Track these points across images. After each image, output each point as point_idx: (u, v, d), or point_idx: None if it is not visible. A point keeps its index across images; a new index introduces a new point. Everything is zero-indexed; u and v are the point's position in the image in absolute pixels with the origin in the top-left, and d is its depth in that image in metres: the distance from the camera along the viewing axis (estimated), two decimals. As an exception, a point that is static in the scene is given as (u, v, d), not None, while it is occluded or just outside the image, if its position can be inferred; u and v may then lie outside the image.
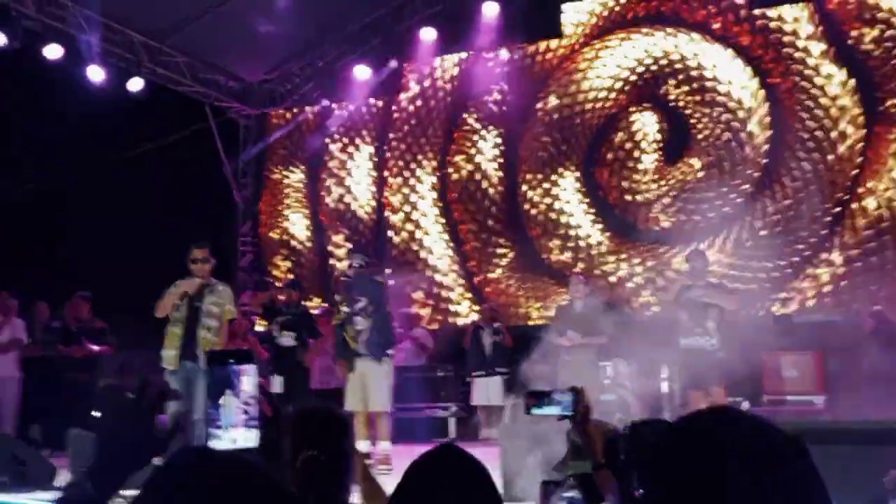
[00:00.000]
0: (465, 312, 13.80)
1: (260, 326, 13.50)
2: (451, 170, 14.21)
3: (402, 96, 14.69)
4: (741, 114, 12.47)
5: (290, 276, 14.59)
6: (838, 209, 11.79)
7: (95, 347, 10.67)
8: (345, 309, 7.95)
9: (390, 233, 14.47)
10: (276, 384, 9.20)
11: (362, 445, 7.88)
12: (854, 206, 11.73)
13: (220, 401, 2.19)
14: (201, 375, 7.42)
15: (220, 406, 2.27)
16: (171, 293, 7.37)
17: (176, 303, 7.39)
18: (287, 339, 9.25)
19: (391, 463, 7.62)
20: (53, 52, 12.08)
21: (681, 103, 12.81)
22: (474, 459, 1.81)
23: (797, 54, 12.23)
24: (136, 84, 13.14)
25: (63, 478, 6.66)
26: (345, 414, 2.60)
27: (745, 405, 9.11)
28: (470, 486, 1.80)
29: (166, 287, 7.49)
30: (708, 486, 1.20)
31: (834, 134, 11.95)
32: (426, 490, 1.78)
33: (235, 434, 2.39)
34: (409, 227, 14.37)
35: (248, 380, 2.19)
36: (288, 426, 2.55)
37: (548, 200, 13.52)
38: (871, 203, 11.65)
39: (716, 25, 12.73)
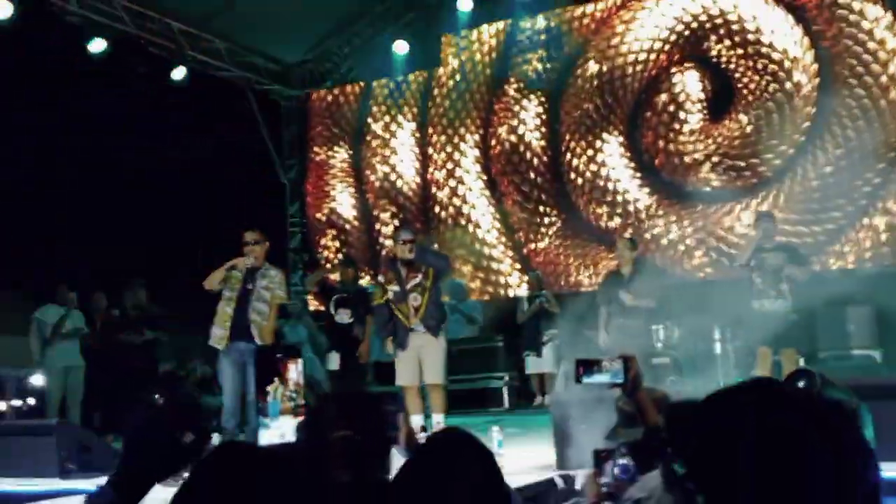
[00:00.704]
0: (516, 283, 13.82)
1: (312, 305, 13.71)
2: (493, 141, 14.17)
3: (442, 70, 14.65)
4: (787, 65, 12.22)
5: (339, 256, 14.74)
6: (892, 155, 11.52)
7: (152, 334, 10.89)
8: (393, 288, 7.96)
9: (437, 208, 14.50)
10: (333, 361, 9.31)
11: (415, 419, 7.97)
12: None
13: (267, 388, 2.24)
14: (254, 356, 7.64)
15: (267, 394, 2.32)
16: (221, 269, 7.53)
17: (225, 275, 7.54)
18: (342, 317, 9.32)
19: None
20: (97, 46, 12.25)
21: (724, 59, 12.59)
22: (480, 444, 1.83)
23: (851, 16, 11.92)
24: (179, 72, 13.30)
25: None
26: (382, 396, 2.65)
27: (801, 362, 9.04)
28: (475, 470, 1.84)
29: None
30: (743, 467, 1.20)
31: (884, 79, 11.66)
32: (431, 473, 1.81)
33: (282, 423, 2.45)
34: (456, 201, 14.38)
35: (294, 369, 2.24)
36: (329, 409, 2.61)
37: (593, 167, 13.42)
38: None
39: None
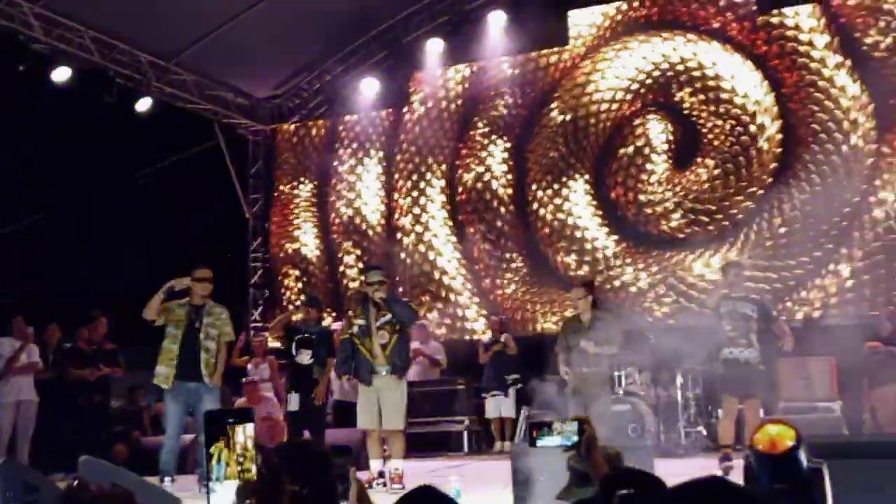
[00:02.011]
0: (473, 317, 13.83)
1: (273, 343, 13.53)
2: (460, 187, 14.18)
3: (407, 109, 14.69)
4: (750, 108, 12.40)
5: (301, 292, 14.62)
6: (857, 199, 11.69)
7: (107, 370, 10.68)
8: (359, 322, 7.86)
9: (399, 234, 14.45)
10: (293, 402, 9.18)
11: (375, 464, 7.85)
12: (864, 217, 11.65)
13: (211, 450, 2.17)
14: (206, 393, 7.62)
15: (210, 456, 2.25)
16: (158, 293, 7.50)
17: (166, 306, 7.53)
18: (304, 357, 9.20)
19: (403, 482, 7.59)
20: (61, 74, 12.13)
21: (687, 106, 12.75)
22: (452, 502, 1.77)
23: (812, 64, 12.14)
24: (144, 104, 13.19)
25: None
26: (332, 450, 2.59)
27: (761, 412, 9.04)
28: None
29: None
30: None
31: (846, 125, 11.88)
32: None
33: (229, 488, 2.37)
34: (419, 228, 14.37)
35: (242, 432, 2.16)
36: (278, 463, 2.55)
37: (560, 215, 13.47)
38: (880, 214, 11.57)
39: (717, 26, 12.68)
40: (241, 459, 1.86)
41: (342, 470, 1.91)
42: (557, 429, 3.20)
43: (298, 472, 2.44)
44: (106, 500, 1.59)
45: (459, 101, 14.39)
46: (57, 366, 10.58)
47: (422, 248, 14.32)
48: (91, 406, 10.44)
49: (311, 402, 9.01)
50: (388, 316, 7.84)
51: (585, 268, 13.10)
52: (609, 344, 8.74)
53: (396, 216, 14.56)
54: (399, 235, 14.50)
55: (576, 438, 3.18)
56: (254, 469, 1.86)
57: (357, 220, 14.88)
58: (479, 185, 14.05)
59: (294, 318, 9.61)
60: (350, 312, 8.10)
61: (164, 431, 7.52)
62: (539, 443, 3.21)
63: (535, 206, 13.64)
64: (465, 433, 11.67)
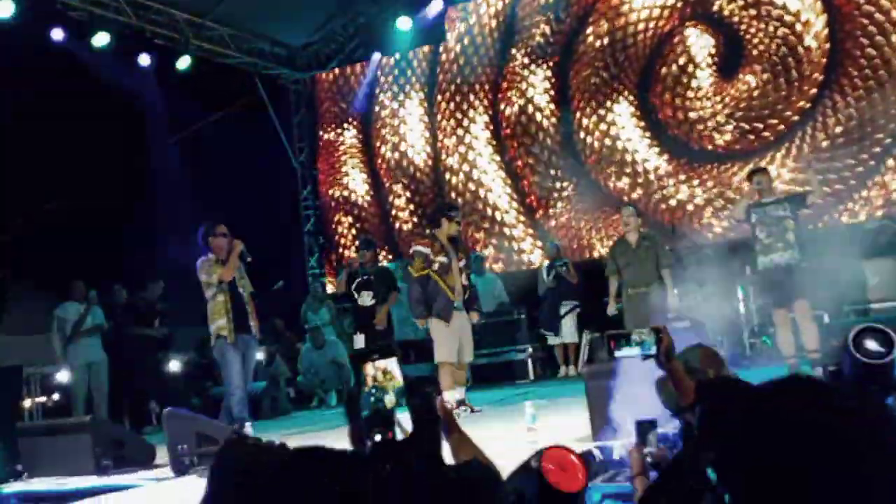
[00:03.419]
0: (529, 249, 13.82)
1: (330, 287, 13.75)
2: (503, 105, 14.11)
3: (449, 38, 14.56)
4: (798, 26, 12.10)
5: (354, 236, 14.75)
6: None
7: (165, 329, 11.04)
8: (441, 259, 7.93)
9: (448, 174, 14.47)
10: (359, 342, 9.35)
11: (451, 395, 7.98)
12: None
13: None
14: (255, 345, 7.97)
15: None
16: (234, 259, 7.63)
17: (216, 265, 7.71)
18: (366, 299, 9.37)
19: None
20: (101, 39, 12.21)
21: (735, 18, 12.48)
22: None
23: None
24: (184, 62, 13.25)
25: (162, 455, 6.86)
26: (423, 379, 2.65)
27: (826, 318, 8.99)
28: None
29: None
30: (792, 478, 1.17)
31: (895, 38, 11.55)
32: None
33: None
34: (466, 167, 14.36)
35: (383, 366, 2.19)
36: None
37: (603, 127, 13.36)
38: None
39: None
40: (373, 391, 1.92)
41: (429, 397, 1.95)
42: (636, 339, 3.24)
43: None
44: (264, 452, 1.67)
45: (496, 35, 14.23)
46: (124, 325, 10.89)
47: (472, 186, 14.31)
48: (158, 362, 10.77)
49: (376, 341, 9.18)
50: (465, 260, 8.08)
51: (639, 191, 13.00)
52: (660, 266, 8.76)
53: (443, 156, 14.55)
54: (448, 176, 14.50)
55: (654, 348, 3.22)
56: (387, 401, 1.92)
57: (404, 164, 14.91)
58: (524, 117, 13.96)
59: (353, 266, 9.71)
60: (423, 249, 8.11)
61: (230, 382, 7.69)
62: (618, 353, 3.27)
63: (582, 133, 13.53)
64: (529, 361, 11.79)
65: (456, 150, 14.46)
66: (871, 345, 3.38)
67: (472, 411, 7.82)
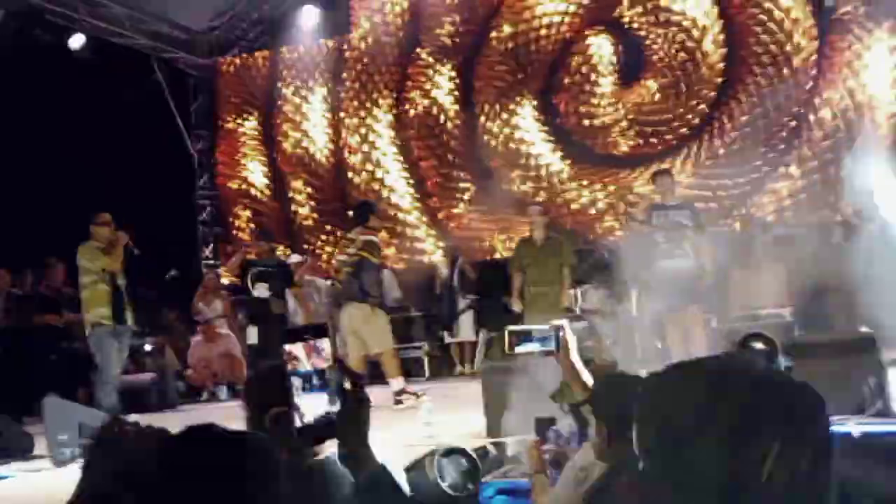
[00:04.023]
0: (431, 250, 13.78)
1: (225, 279, 13.44)
2: (407, 106, 14.04)
3: (353, 35, 14.42)
4: (695, 32, 12.41)
5: (252, 227, 14.48)
6: (794, 123, 11.84)
7: (73, 316, 10.55)
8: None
9: (350, 173, 14.33)
10: (252, 335, 9.19)
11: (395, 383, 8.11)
12: (811, 117, 11.78)
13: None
14: (129, 336, 8.16)
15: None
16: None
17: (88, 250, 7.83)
18: (261, 291, 9.22)
19: None
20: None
21: (635, 25, 12.72)
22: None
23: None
24: (77, 40, 12.76)
25: (41, 447, 6.57)
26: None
27: (714, 322, 9.21)
28: None
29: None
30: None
31: (788, 47, 11.95)
32: None
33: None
34: (369, 166, 14.24)
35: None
36: (252, 387, 2.56)
37: (507, 130, 13.44)
38: (826, 114, 11.71)
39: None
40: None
41: (360, 379, 1.92)
42: (536, 335, 3.24)
43: (279, 394, 2.44)
44: (141, 436, 1.59)
45: (402, 25, 14.16)
46: (18, 312, 10.40)
47: (375, 185, 14.18)
48: (58, 351, 10.33)
49: (270, 335, 9.02)
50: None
51: (542, 194, 13.11)
52: (561, 265, 8.86)
53: (347, 155, 14.39)
54: (350, 175, 14.35)
55: (553, 344, 3.23)
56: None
57: (304, 144, 14.69)
58: (427, 117, 13.92)
59: (248, 254, 9.57)
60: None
61: (107, 371, 7.60)
62: (518, 349, 3.26)
63: (483, 121, 13.57)
64: (426, 358, 11.77)
65: (359, 149, 14.32)
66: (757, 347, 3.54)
67: (417, 398, 7.70)
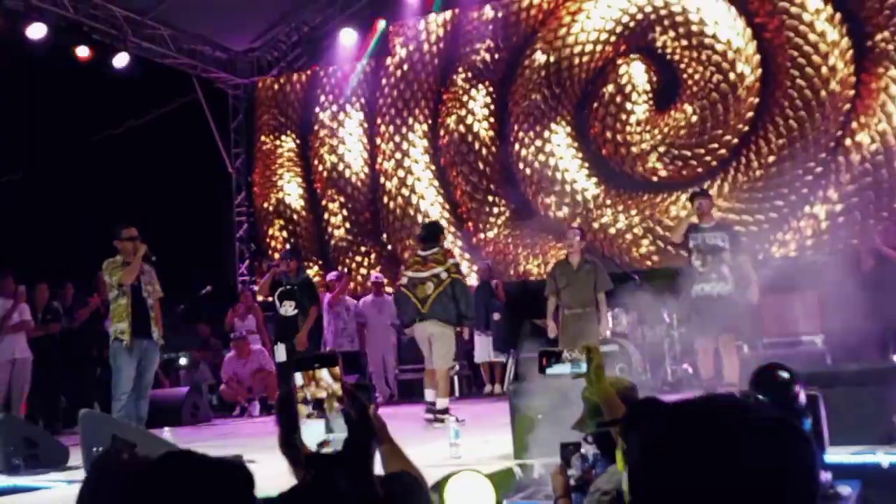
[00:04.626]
0: (466, 272, 13.81)
1: (260, 297, 13.59)
2: (442, 132, 14.17)
3: (390, 59, 14.60)
4: (730, 56, 12.41)
5: (287, 245, 14.64)
6: (832, 145, 11.79)
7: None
8: (412, 274, 8.25)
9: (385, 198, 14.46)
10: (280, 353, 9.27)
11: (441, 402, 8.18)
12: (848, 142, 11.72)
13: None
14: (155, 351, 7.88)
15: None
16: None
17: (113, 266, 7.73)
18: (287, 308, 9.30)
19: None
20: (37, 31, 11.96)
21: (669, 50, 12.75)
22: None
23: (792, 9, 12.11)
24: (121, 59, 13.03)
25: (76, 458, 6.70)
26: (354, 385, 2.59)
27: (745, 349, 9.17)
28: None
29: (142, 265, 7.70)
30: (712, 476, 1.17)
31: (824, 70, 11.91)
32: None
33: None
34: (405, 191, 14.37)
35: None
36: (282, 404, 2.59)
37: (541, 157, 13.50)
38: (864, 138, 11.64)
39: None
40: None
41: (364, 407, 1.93)
42: (567, 357, 3.29)
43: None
44: (134, 467, 1.58)
45: (440, 47, 14.30)
46: (45, 324, 10.61)
47: (405, 191, 14.33)
48: (91, 361, 10.50)
49: (297, 353, 9.09)
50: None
51: (565, 210, 13.17)
52: (597, 289, 8.86)
53: (379, 161, 14.54)
54: (382, 180, 14.50)
55: (585, 366, 3.26)
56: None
57: (340, 167, 14.85)
58: (462, 128, 14.03)
59: (277, 272, 9.65)
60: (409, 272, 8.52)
61: (118, 387, 7.60)
62: (549, 371, 3.30)
63: (518, 148, 13.65)
64: (456, 377, 11.81)
65: (392, 155, 14.47)
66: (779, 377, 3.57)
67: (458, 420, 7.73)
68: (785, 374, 3.58)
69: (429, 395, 8.25)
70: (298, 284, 9.40)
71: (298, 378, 1.82)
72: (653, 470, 1.21)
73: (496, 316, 11.61)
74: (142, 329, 7.65)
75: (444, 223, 13.95)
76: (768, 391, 3.55)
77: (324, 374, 1.84)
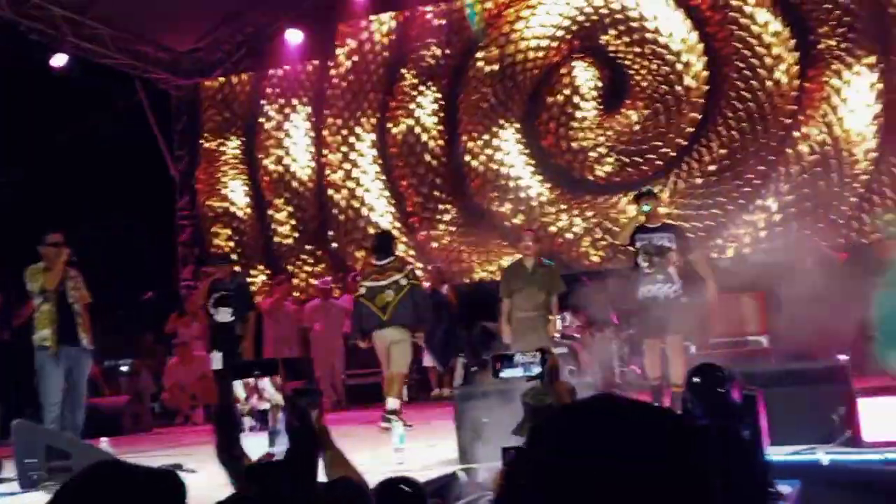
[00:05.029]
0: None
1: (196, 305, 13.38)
2: (390, 125, 14.06)
3: (339, 52, 14.41)
4: (678, 65, 12.50)
5: (232, 249, 14.43)
6: (782, 136, 11.93)
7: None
8: (371, 284, 8.40)
9: (330, 191, 14.31)
10: (216, 360, 9.07)
11: (392, 402, 8.22)
12: (796, 134, 11.86)
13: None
14: (86, 358, 7.59)
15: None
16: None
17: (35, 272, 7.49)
18: (224, 315, 9.06)
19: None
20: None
21: (618, 53, 12.80)
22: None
23: (734, 1, 12.26)
24: (59, 59, 12.73)
25: (9, 470, 6.49)
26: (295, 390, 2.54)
27: (693, 349, 9.19)
28: None
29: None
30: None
31: (769, 61, 12.07)
32: None
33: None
34: (350, 184, 14.22)
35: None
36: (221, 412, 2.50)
37: (488, 152, 13.47)
38: (812, 131, 11.79)
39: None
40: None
41: (305, 412, 1.89)
42: (520, 360, 3.23)
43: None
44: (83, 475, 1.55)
45: (386, 53, 14.20)
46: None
47: (355, 203, 14.19)
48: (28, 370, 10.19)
49: (234, 360, 8.88)
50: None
51: (520, 217, 13.14)
52: (551, 291, 8.81)
53: (327, 173, 14.39)
54: (330, 192, 14.34)
55: (539, 369, 3.21)
56: None
57: (287, 178, 14.67)
58: (410, 137, 13.95)
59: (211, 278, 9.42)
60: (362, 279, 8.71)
61: (46, 397, 7.37)
62: (502, 374, 3.24)
63: (467, 156, 13.60)
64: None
65: (340, 166, 14.32)
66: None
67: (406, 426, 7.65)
68: (717, 374, 3.54)
69: (392, 403, 8.26)
70: (234, 290, 9.18)
71: (239, 389, 1.78)
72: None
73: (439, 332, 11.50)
74: (67, 336, 7.38)
75: (395, 232, 13.90)
76: (697, 391, 3.53)
77: (265, 383, 1.81)
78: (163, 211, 14.95)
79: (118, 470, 1.52)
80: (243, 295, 9.25)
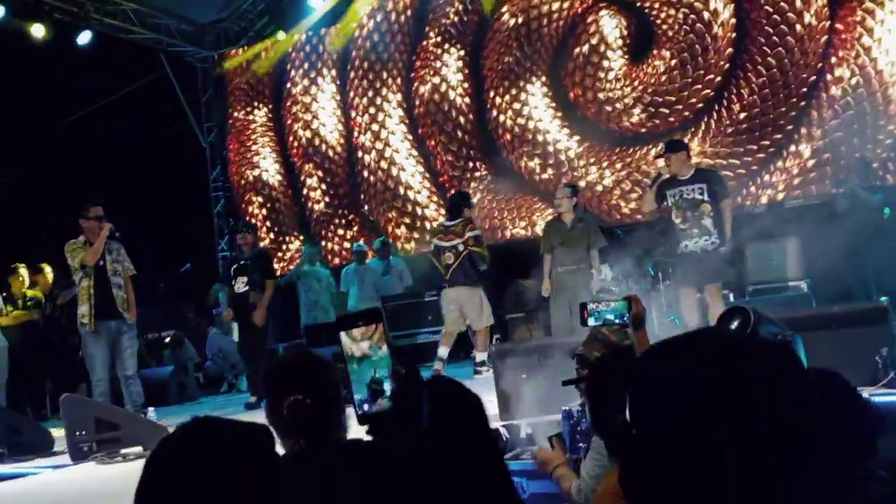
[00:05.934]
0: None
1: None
2: (417, 84, 13.99)
3: (363, 14, 14.32)
4: (706, 13, 12.27)
5: (266, 217, 14.50)
6: (803, 103, 11.70)
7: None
8: (438, 242, 9.05)
9: (360, 152, 14.31)
10: (235, 332, 9.14)
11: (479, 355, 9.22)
12: (828, 77, 11.62)
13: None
14: (129, 331, 7.59)
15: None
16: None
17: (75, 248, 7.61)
18: (239, 285, 9.08)
19: None
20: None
21: (646, 2, 12.58)
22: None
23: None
24: (85, 37, 12.76)
25: (61, 444, 6.64)
26: (331, 357, 2.58)
27: (731, 297, 9.14)
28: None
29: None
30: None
31: (799, 27, 11.79)
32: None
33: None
34: (384, 164, 14.20)
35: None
36: (277, 375, 2.53)
37: (516, 106, 13.36)
38: (836, 91, 11.56)
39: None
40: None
41: (409, 358, 1.92)
42: (607, 307, 3.23)
43: (300, 382, 2.43)
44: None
45: (409, 13, 14.10)
46: (28, 310, 10.46)
47: (384, 164, 14.19)
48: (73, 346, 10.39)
49: (250, 329, 8.94)
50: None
51: (550, 171, 13.06)
52: (591, 246, 8.80)
53: (356, 134, 14.39)
54: (360, 154, 14.35)
55: (626, 315, 3.21)
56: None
57: (316, 142, 14.68)
58: (436, 96, 13.87)
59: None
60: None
61: (92, 372, 7.43)
62: (590, 321, 3.25)
63: (495, 112, 13.51)
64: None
65: (368, 127, 14.31)
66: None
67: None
68: (746, 316, 3.48)
69: (441, 351, 8.98)
70: (252, 258, 9.19)
71: (345, 340, 1.83)
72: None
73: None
74: (106, 311, 7.42)
75: (426, 193, 13.88)
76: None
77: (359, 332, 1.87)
78: (197, 183, 15.05)
79: (216, 424, 1.60)
80: (261, 264, 9.24)
